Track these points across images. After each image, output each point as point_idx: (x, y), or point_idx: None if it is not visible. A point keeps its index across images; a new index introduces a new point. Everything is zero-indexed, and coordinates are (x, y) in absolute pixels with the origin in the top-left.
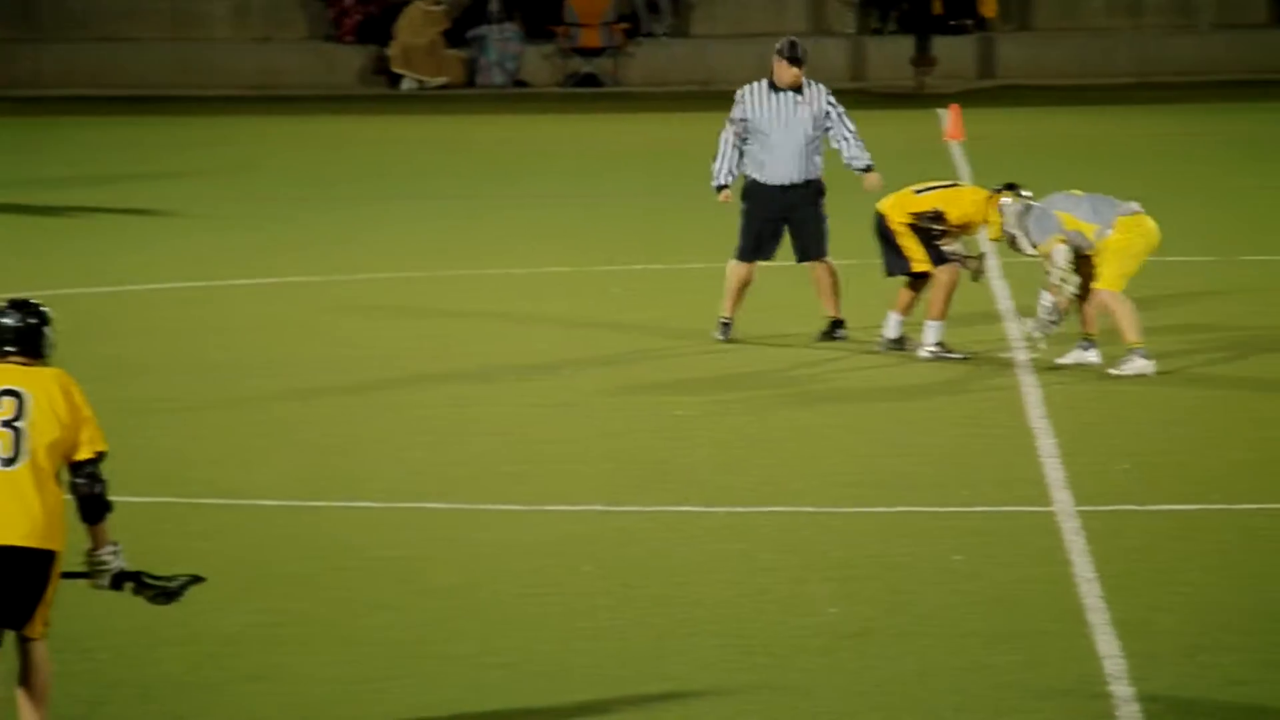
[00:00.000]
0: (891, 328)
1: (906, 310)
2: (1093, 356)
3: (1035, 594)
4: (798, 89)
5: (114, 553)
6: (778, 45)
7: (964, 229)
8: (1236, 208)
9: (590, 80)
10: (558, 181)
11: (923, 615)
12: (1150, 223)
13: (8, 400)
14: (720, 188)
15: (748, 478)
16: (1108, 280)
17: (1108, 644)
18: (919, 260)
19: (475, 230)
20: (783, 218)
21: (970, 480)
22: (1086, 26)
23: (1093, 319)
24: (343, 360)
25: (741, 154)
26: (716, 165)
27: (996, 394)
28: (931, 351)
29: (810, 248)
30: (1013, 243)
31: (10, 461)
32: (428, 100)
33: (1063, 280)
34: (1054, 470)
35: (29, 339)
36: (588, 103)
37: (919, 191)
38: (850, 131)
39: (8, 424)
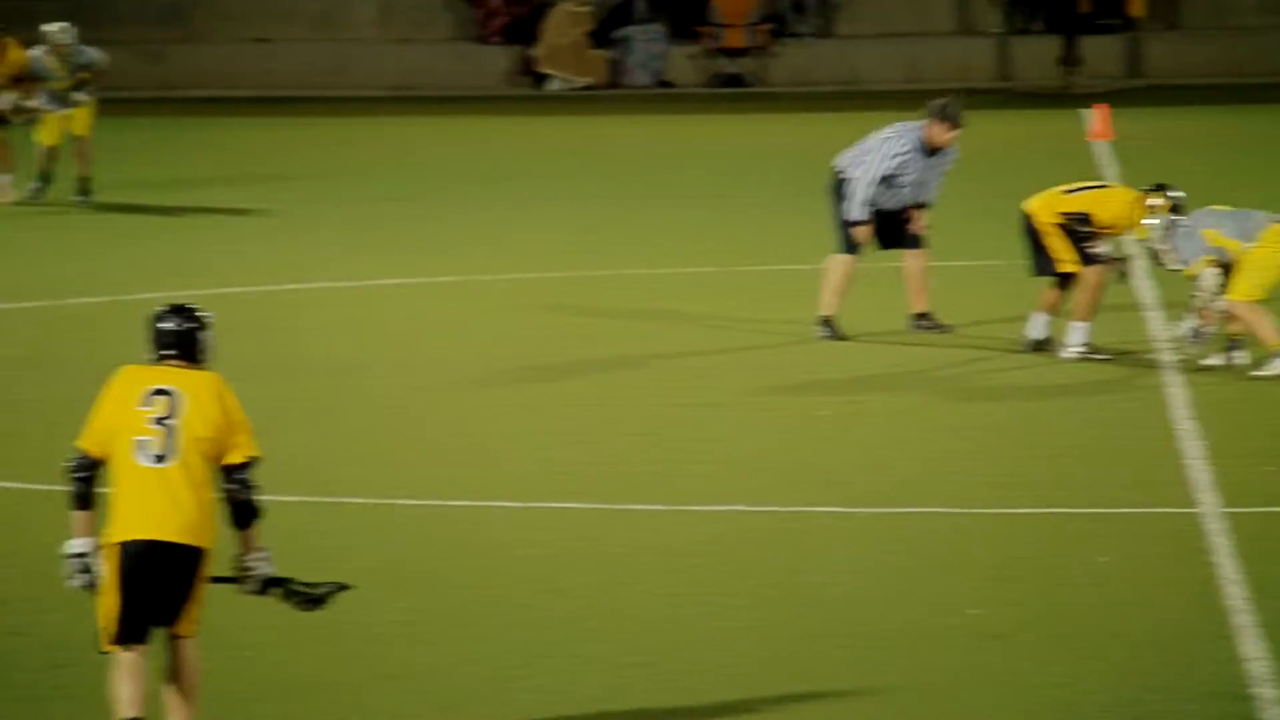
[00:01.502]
0: (1037, 328)
1: (1053, 310)
2: (1239, 358)
3: (1181, 596)
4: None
5: (263, 559)
6: (934, 106)
7: (1112, 230)
8: None
9: (735, 81)
10: (702, 182)
11: (1068, 617)
12: None
13: (161, 399)
14: (859, 223)
15: (890, 478)
16: (1242, 291)
17: (1253, 646)
18: (1066, 261)
19: (619, 230)
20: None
21: (1116, 481)
22: (1236, 25)
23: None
24: (485, 359)
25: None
26: (861, 199)
27: (1142, 395)
28: (1078, 352)
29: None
30: (1156, 258)
31: (161, 458)
32: (572, 101)
33: (1209, 304)
34: (1200, 472)
35: (187, 343)
36: (732, 103)
37: (1068, 192)
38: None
39: (160, 421)
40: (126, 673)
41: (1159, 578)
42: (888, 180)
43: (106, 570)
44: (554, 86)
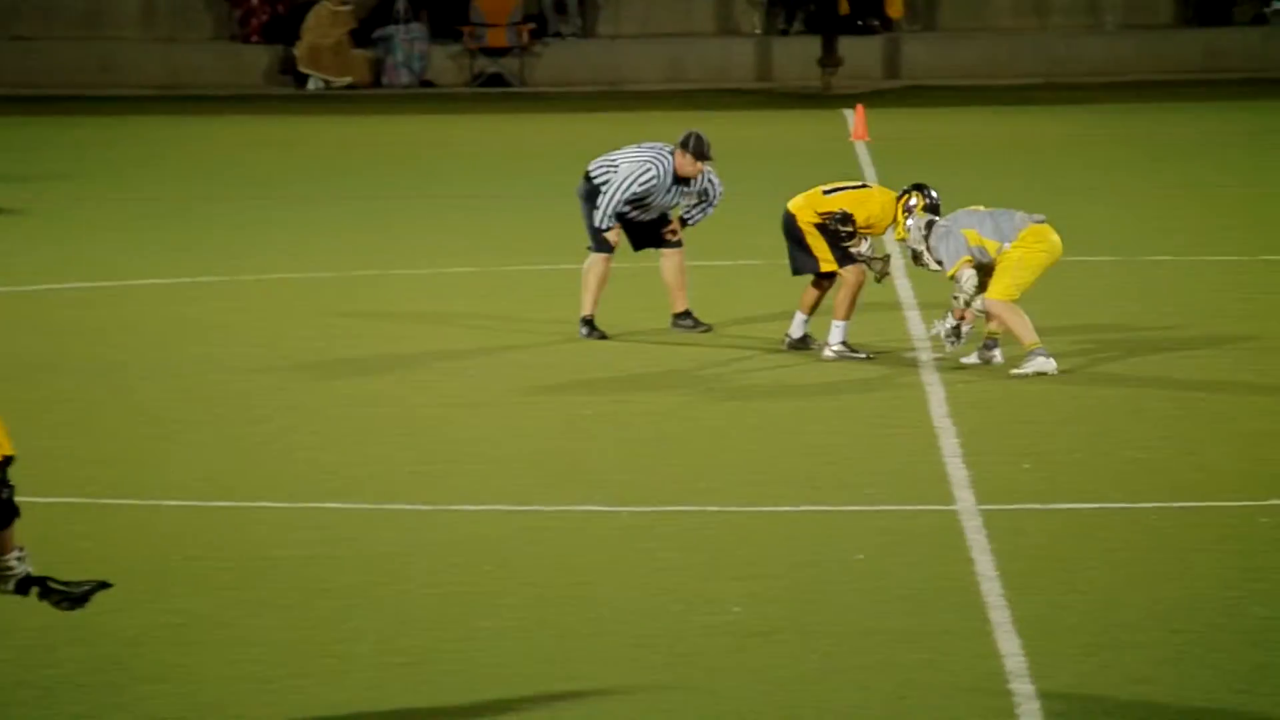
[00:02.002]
0: (796, 327)
1: (811, 310)
2: (996, 356)
3: (938, 592)
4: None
5: (20, 558)
6: (683, 138)
7: (871, 230)
8: (1140, 208)
9: (497, 80)
10: (465, 181)
11: (827, 614)
12: (1053, 235)
13: None
14: (609, 229)
15: (653, 477)
16: (1000, 290)
17: (1009, 642)
18: (826, 260)
19: (383, 230)
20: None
21: (875, 479)
22: (992, 27)
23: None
24: (248, 360)
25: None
26: (607, 211)
27: (901, 393)
28: (836, 351)
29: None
30: (916, 258)
31: None
32: (334, 100)
33: (968, 304)
34: (957, 469)
35: None
36: (494, 103)
37: (828, 192)
38: (712, 206)
39: None
40: None
41: (917, 575)
42: (635, 201)
43: None
44: (315, 86)
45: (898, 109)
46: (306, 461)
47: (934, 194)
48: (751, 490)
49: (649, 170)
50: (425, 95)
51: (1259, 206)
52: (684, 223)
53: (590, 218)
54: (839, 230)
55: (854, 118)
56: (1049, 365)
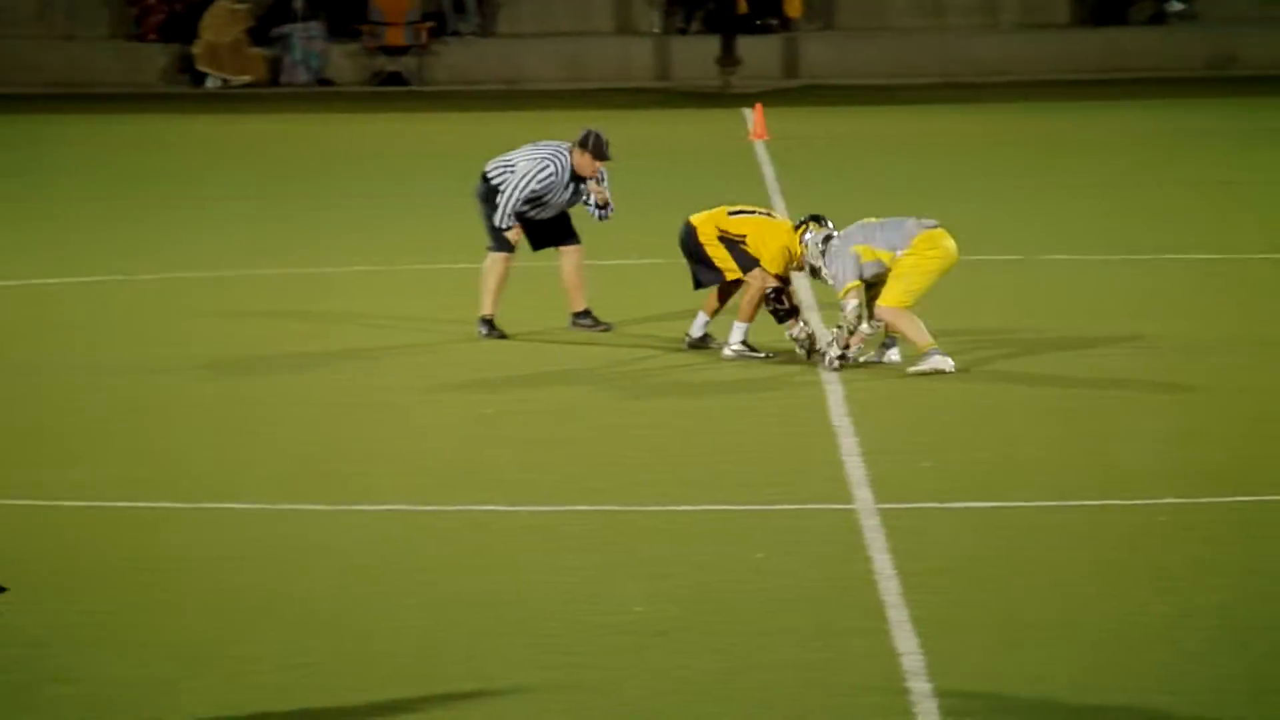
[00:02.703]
0: (697, 327)
1: (714, 312)
2: (894, 355)
3: (838, 592)
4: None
5: None
6: (581, 136)
7: (767, 259)
8: (1038, 207)
9: (396, 79)
10: (364, 180)
11: (727, 614)
12: (948, 240)
13: None
14: (509, 228)
15: (554, 476)
16: (892, 298)
17: (908, 641)
18: (730, 269)
19: (283, 229)
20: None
21: (775, 479)
22: (890, 26)
23: None
24: (151, 359)
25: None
26: (506, 211)
27: (800, 392)
28: (735, 351)
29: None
30: (815, 274)
31: None
32: (232, 99)
33: (851, 332)
34: (856, 468)
35: None
36: (393, 101)
37: (733, 213)
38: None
39: None
40: None
41: (816, 574)
42: (533, 200)
43: None
44: (213, 84)
45: (796, 108)
46: (210, 461)
47: (830, 224)
48: (652, 490)
49: (547, 168)
50: (324, 94)
51: (1158, 204)
52: (600, 209)
53: (489, 218)
54: (775, 309)
55: (753, 117)
56: (945, 363)
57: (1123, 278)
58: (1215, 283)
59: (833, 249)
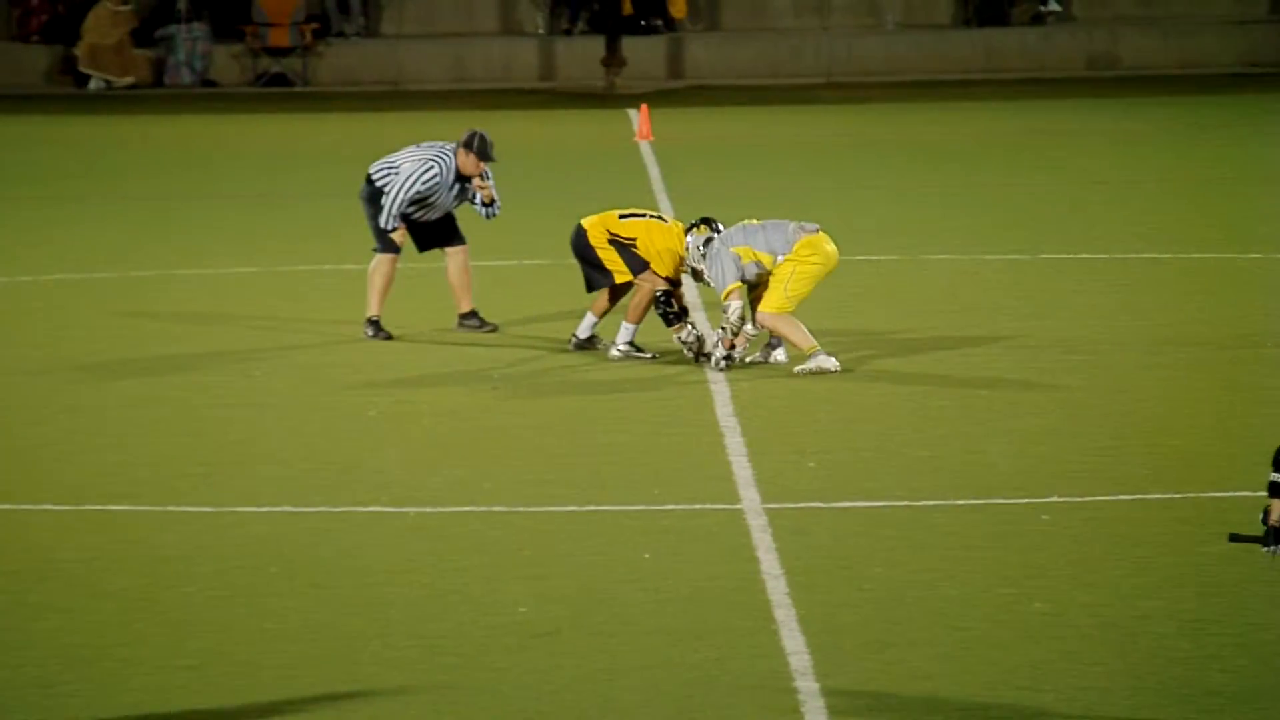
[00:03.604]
0: (584, 328)
1: (603, 314)
2: (779, 355)
3: (724, 591)
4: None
5: None
6: (465, 137)
7: (656, 259)
8: (920, 207)
9: (280, 80)
10: (247, 181)
11: (613, 614)
12: (828, 245)
13: None
14: (394, 229)
15: (438, 478)
16: (773, 304)
17: (794, 640)
18: (620, 271)
19: (165, 230)
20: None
21: (660, 479)
22: (774, 27)
23: None
24: (26, 362)
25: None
26: (391, 212)
27: (686, 392)
28: (622, 351)
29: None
30: (697, 276)
31: None
32: (115, 100)
33: (735, 333)
34: (742, 468)
35: None
36: (277, 102)
37: (623, 217)
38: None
39: None
40: None
41: (702, 574)
42: (418, 201)
43: None
44: (96, 86)
45: (682, 109)
46: (88, 464)
47: (720, 227)
48: (537, 490)
49: (431, 169)
50: (207, 95)
51: (1036, 205)
52: (487, 206)
53: (374, 219)
54: (665, 312)
55: (639, 117)
56: (830, 363)
57: (1004, 278)
58: (1093, 283)
59: (713, 251)
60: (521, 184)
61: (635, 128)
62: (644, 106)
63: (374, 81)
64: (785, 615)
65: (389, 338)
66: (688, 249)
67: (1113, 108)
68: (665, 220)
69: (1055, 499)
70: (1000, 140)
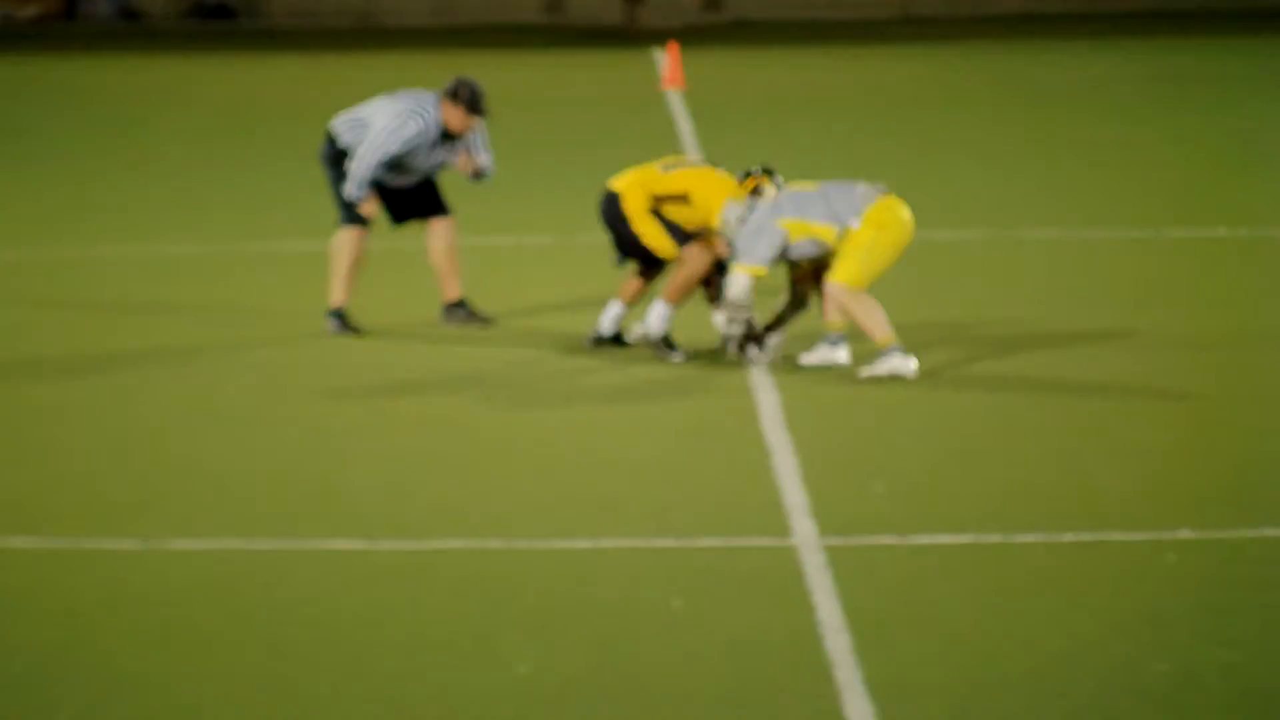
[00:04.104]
0: (608, 321)
1: (633, 300)
2: (841, 355)
3: (772, 646)
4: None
5: None
6: (450, 86)
7: (706, 220)
8: (1015, 170)
9: (220, 11)
10: (182, 139)
11: (635, 672)
12: (904, 210)
13: None
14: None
15: (420, 504)
16: (847, 275)
17: (859, 706)
18: (663, 246)
19: (83, 200)
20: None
21: (693, 506)
22: None
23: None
24: None
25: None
26: (361, 178)
27: (726, 400)
28: (652, 337)
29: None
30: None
31: None
32: (16, 38)
33: (733, 319)
34: (795, 494)
35: None
36: (217, 40)
37: (666, 168)
38: (487, 151)
39: None
40: None
41: (745, 624)
42: (395, 164)
43: None
44: None
45: (720, 50)
46: None
47: (781, 181)
48: (542, 519)
49: (409, 126)
50: (130, 31)
51: (1159, 168)
52: (478, 174)
53: (337, 185)
54: (713, 291)
55: (666, 60)
56: (907, 366)
57: (1118, 259)
58: (1229, 265)
59: (752, 224)
60: (521, 145)
61: (661, 73)
62: (673, 46)
63: (337, 15)
64: (848, 676)
65: (356, 332)
66: (724, 219)
67: (1256, 49)
68: (712, 168)
69: (1184, 534)
70: (1113, 89)
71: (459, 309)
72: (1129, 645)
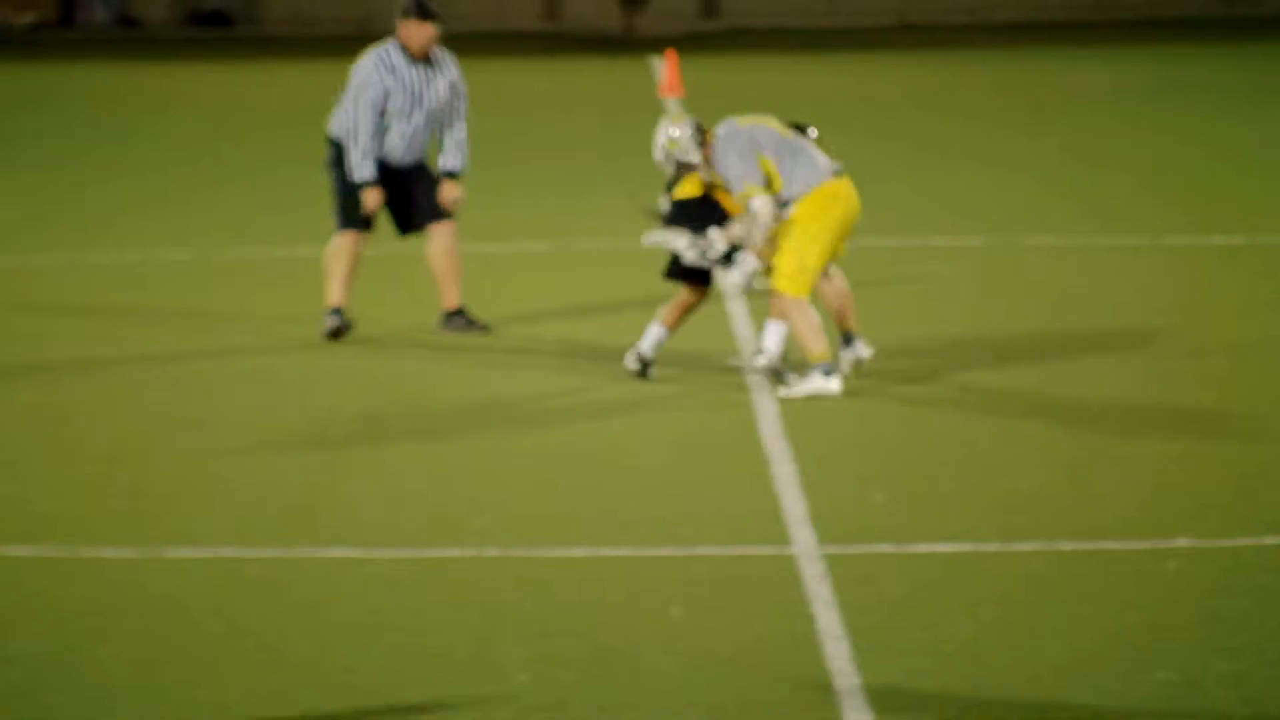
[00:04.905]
0: (650, 345)
1: (676, 324)
2: (862, 350)
3: (771, 656)
4: (428, 57)
5: None
6: (401, 6)
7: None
8: (1015, 177)
9: (217, 19)
10: (177, 145)
11: (633, 682)
12: (852, 193)
13: None
14: (369, 183)
15: (420, 513)
16: (789, 278)
17: (858, 716)
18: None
19: (76, 208)
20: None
21: (691, 514)
22: None
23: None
24: None
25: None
26: (360, 158)
27: (725, 409)
28: (770, 364)
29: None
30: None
31: None
32: (12, 45)
33: (742, 242)
34: (794, 502)
35: None
36: (214, 48)
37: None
38: (461, 122)
39: None
40: None
41: (744, 634)
42: (386, 124)
43: None
44: None
45: (718, 57)
46: None
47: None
48: (540, 529)
49: (373, 72)
50: (127, 39)
51: (1159, 175)
52: (451, 175)
53: (339, 189)
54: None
55: (664, 67)
56: (833, 384)
57: (1117, 266)
58: (1232, 272)
59: (724, 141)
60: (518, 151)
61: (659, 80)
62: (671, 53)
63: (334, 22)
64: (848, 685)
65: (348, 329)
66: (675, 140)
67: (1254, 56)
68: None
69: (1184, 542)
70: (1112, 96)
71: (457, 317)
72: (1130, 653)
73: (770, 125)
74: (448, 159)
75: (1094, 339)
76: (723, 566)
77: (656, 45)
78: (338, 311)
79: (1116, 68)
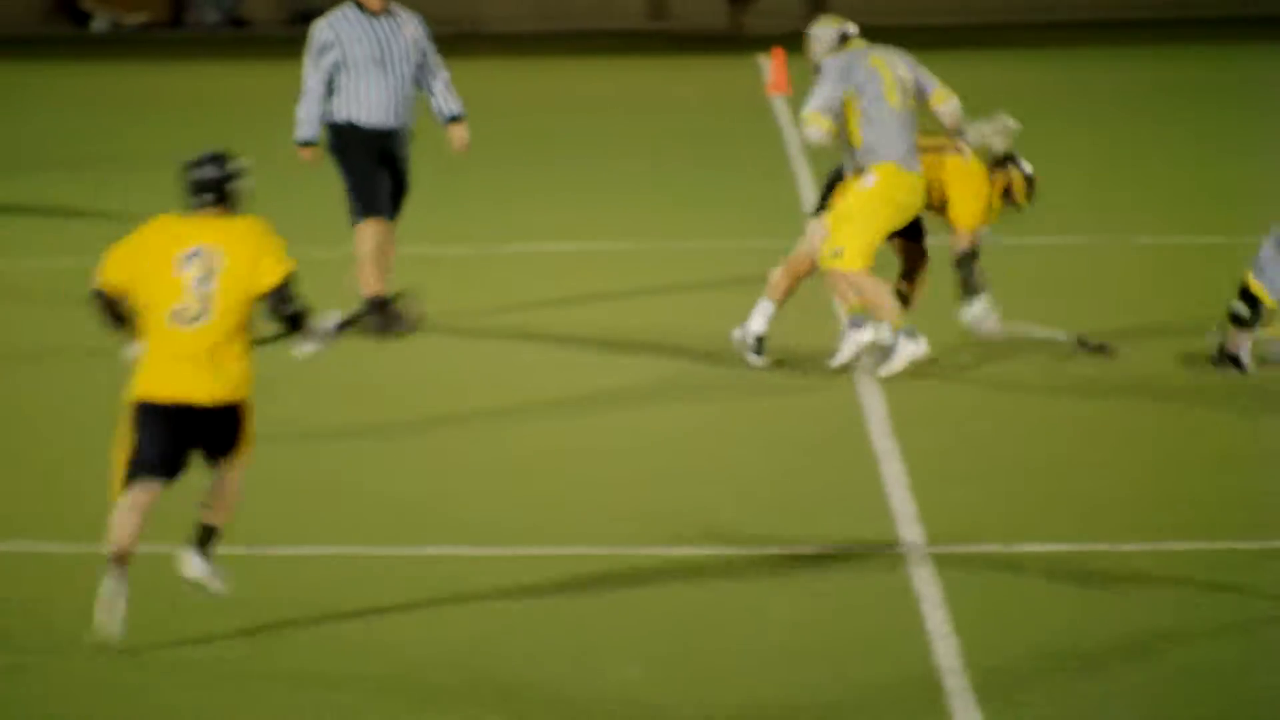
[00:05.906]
0: (759, 319)
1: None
2: (885, 335)
3: (879, 654)
4: (387, 11)
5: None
6: None
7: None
8: (1124, 172)
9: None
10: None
11: (738, 681)
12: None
13: (198, 260)
14: (306, 143)
15: (522, 513)
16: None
17: (967, 714)
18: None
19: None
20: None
21: (797, 513)
22: None
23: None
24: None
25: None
26: (301, 116)
27: (833, 407)
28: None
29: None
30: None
31: (197, 319)
32: (124, 43)
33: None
34: (902, 500)
35: (224, 191)
36: None
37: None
38: (442, 69)
39: (197, 283)
40: (136, 507)
41: (852, 632)
42: (341, 77)
43: (132, 421)
44: (100, 26)
45: None
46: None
47: (1027, 168)
48: (643, 528)
49: (326, 28)
50: (237, 38)
51: (1263, 176)
52: (454, 119)
53: (349, 176)
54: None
55: (771, 66)
56: (920, 348)
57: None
58: None
59: (841, 62)
60: (625, 150)
61: (767, 78)
62: (778, 51)
63: (440, 22)
64: (956, 684)
65: (399, 317)
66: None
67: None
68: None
69: None
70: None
71: (382, 308)
72: (1240, 653)
73: (887, 77)
74: (446, 104)
75: (1197, 335)
76: (829, 565)
77: (763, 43)
78: (380, 302)
79: (1125, 68)
